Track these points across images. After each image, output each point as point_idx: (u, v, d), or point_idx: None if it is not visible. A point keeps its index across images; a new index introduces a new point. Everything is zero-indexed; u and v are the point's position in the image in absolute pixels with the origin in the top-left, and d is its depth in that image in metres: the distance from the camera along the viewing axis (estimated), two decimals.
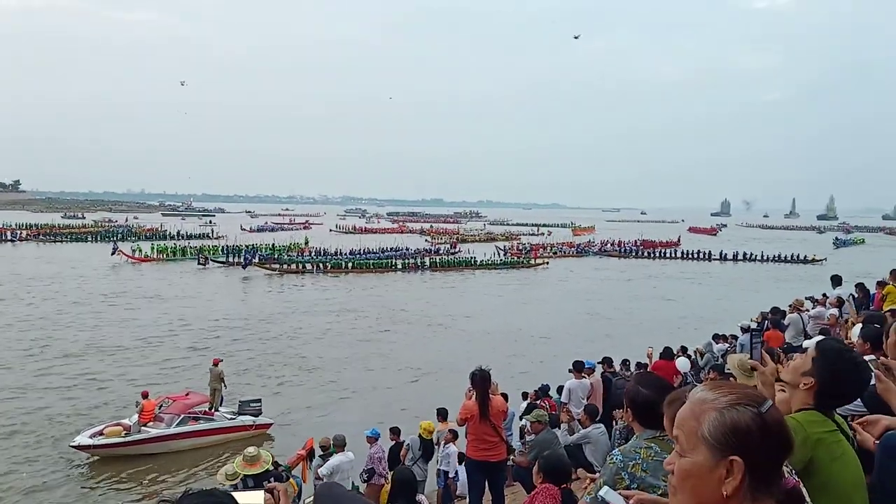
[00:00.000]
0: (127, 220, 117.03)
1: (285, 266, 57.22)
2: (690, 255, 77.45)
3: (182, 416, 16.65)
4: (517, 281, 53.99)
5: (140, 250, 62.14)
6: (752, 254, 75.76)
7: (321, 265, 57.99)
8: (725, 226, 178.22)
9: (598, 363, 14.04)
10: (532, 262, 66.59)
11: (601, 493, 2.51)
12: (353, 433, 12.30)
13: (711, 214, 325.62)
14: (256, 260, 57.73)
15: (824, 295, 15.70)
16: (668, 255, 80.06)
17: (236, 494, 1.99)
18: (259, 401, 17.95)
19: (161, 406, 16.92)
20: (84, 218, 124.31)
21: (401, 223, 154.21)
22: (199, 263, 58.18)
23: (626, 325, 33.17)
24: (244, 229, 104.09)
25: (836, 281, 15.11)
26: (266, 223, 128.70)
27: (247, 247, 64.00)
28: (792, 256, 73.27)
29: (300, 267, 57.51)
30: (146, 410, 16.40)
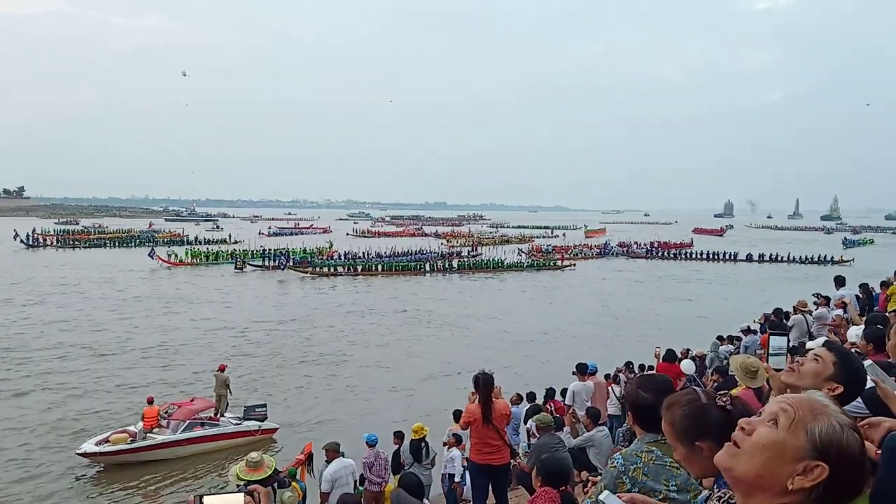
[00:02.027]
0: (152, 225, 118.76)
1: (318, 269, 58.05)
2: (716, 257, 77.53)
3: (187, 421, 16.64)
4: (547, 283, 54.43)
5: (175, 255, 63.64)
6: (777, 255, 75.74)
7: (352, 268, 59.13)
8: (732, 227, 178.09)
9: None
10: (559, 263, 67.01)
11: (601, 496, 2.50)
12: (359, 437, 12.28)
13: (715, 216, 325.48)
14: (290, 263, 58.98)
15: (820, 296, 15.62)
16: (694, 255, 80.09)
17: (214, 498, 2.00)
18: (264, 406, 17.96)
19: (167, 412, 16.93)
20: (77, 224, 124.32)
21: (406, 227, 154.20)
22: (236, 268, 59.43)
23: (653, 327, 32.96)
24: (262, 234, 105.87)
25: (840, 282, 15.04)
26: (282, 228, 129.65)
27: (277, 251, 64.89)
28: (819, 258, 72.95)
29: (332, 269, 58.34)
30: (147, 417, 16.40)
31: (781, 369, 3.05)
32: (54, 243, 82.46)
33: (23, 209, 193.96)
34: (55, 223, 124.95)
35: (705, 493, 2.44)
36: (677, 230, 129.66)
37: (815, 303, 15.39)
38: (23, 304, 36.99)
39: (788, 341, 3.02)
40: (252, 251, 67.33)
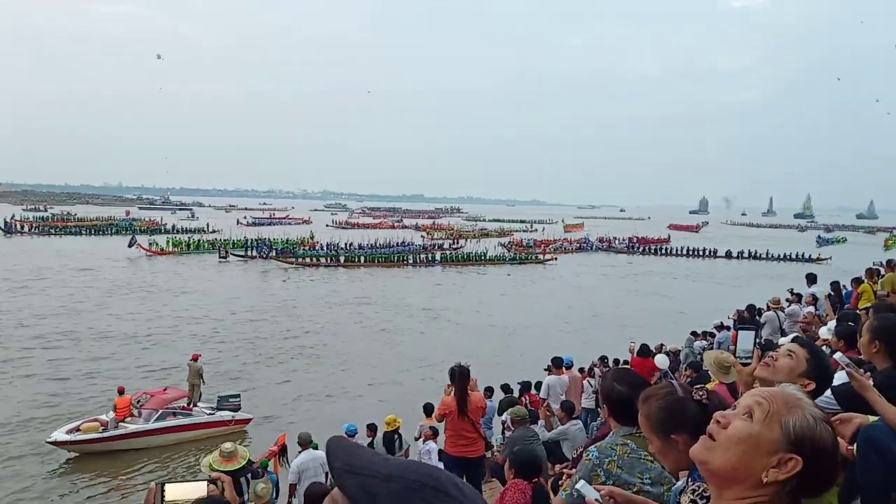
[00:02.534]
0: (129, 214, 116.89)
1: (301, 259, 58.06)
2: (695, 253, 78.19)
3: (160, 411, 16.52)
4: (528, 276, 54.55)
5: (157, 244, 63.18)
6: (756, 252, 76.36)
7: (335, 259, 59.16)
8: (707, 223, 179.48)
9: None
10: (541, 257, 67.34)
11: (577, 486, 2.52)
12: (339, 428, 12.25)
13: (690, 212, 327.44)
14: (273, 253, 59.33)
15: (793, 292, 15.88)
16: (673, 252, 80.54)
17: (176, 486, 1.96)
18: (238, 396, 17.86)
19: (139, 401, 16.80)
20: (46, 211, 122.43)
21: (383, 219, 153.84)
22: (220, 257, 59.18)
23: (632, 321, 32.91)
24: (241, 223, 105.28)
25: (812, 279, 15.28)
26: (260, 218, 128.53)
27: (260, 241, 65.03)
28: (796, 255, 73.58)
29: (315, 260, 58.29)
30: (119, 408, 16.24)
31: (749, 363, 3.09)
32: (31, 230, 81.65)
33: None
34: (23, 209, 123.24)
35: (680, 483, 2.46)
36: (651, 226, 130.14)
37: (787, 300, 15.62)
38: (2, 290, 36.59)
39: (757, 336, 3.06)
40: (234, 241, 67.11)
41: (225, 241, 67.13)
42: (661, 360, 12.89)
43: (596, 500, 2.38)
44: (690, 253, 78.50)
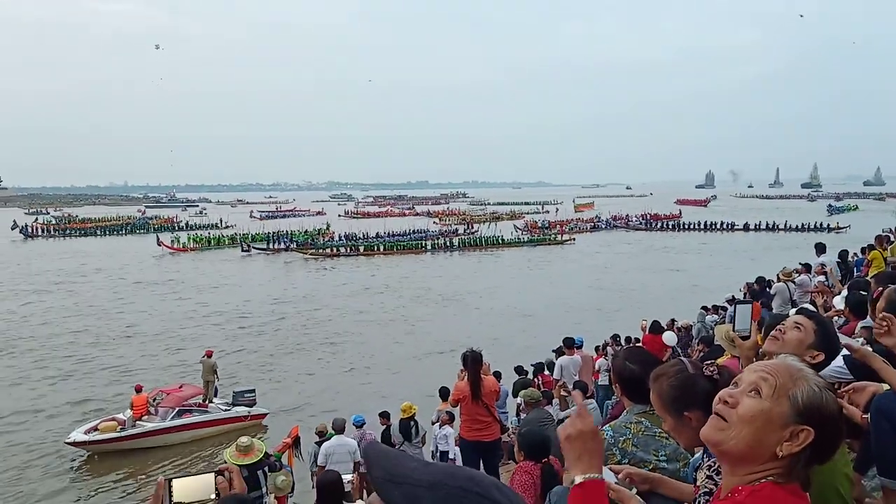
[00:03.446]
0: (144, 212, 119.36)
1: (321, 250, 58.93)
2: (713, 227, 77.98)
3: (176, 408, 16.60)
4: (546, 257, 54.75)
5: (178, 240, 64.77)
6: (774, 223, 75.95)
7: (354, 248, 60.14)
8: (716, 197, 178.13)
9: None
10: (559, 238, 67.30)
11: None
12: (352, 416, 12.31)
13: (696, 187, 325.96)
14: (294, 245, 61.06)
15: (805, 265, 15.76)
16: (690, 226, 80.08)
17: (184, 480, 1.96)
18: (253, 391, 17.90)
19: (155, 399, 16.89)
20: (48, 213, 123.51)
21: (390, 206, 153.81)
22: (242, 251, 60.45)
23: (654, 298, 32.60)
24: (254, 217, 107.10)
25: (821, 248, 15.18)
26: (274, 212, 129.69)
27: (280, 234, 66.48)
28: (814, 225, 73.02)
29: (335, 250, 59.06)
30: (136, 405, 16.33)
31: (747, 336, 3.09)
32: (50, 232, 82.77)
33: (0, 200, 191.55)
34: (24, 213, 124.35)
35: (696, 457, 2.47)
36: (655, 202, 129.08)
37: (796, 270, 15.54)
38: (29, 292, 37.51)
39: (754, 308, 3.07)
40: (253, 235, 68.03)
41: (244, 235, 68.09)
42: (669, 338, 12.84)
43: (615, 482, 2.38)
44: (708, 227, 78.25)
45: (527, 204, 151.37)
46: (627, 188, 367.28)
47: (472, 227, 79.72)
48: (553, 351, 16.18)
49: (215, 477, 2.02)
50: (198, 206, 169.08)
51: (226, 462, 8.51)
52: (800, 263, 16.36)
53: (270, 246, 62.95)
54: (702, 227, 78.82)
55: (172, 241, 64.38)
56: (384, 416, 12.22)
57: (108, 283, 41.22)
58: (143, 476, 14.97)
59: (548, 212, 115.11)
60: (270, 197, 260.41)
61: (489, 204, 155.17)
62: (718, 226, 78.02)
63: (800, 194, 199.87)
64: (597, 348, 15.32)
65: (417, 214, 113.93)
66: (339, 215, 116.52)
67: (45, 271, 46.39)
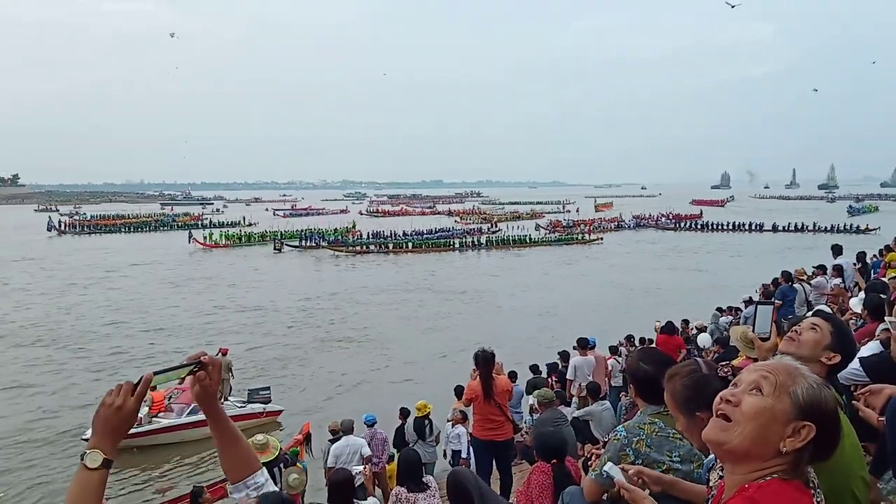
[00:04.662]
0: (172, 209, 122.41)
1: (350, 248, 60.00)
2: (742, 227, 77.58)
3: (192, 405, 16.64)
4: (575, 256, 54.88)
5: (211, 237, 66.56)
6: (803, 224, 75.36)
7: (384, 245, 61.03)
8: (734, 198, 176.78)
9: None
10: (586, 237, 67.32)
11: (605, 468, 2.54)
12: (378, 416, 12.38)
13: (711, 187, 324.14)
14: (325, 243, 62.32)
15: (819, 266, 15.55)
16: (718, 227, 79.69)
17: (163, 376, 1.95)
18: (268, 388, 17.97)
19: (170, 396, 16.97)
20: (58, 211, 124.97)
21: (403, 205, 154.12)
22: (275, 248, 61.56)
23: (684, 298, 32.22)
24: (277, 215, 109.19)
25: (837, 250, 15.08)
26: (297, 210, 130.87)
27: (310, 231, 67.53)
28: (844, 226, 71.83)
29: (364, 248, 60.01)
30: (154, 401, 16.43)
31: (767, 337, 3.08)
32: (80, 229, 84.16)
33: (18, 197, 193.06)
34: (35, 210, 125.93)
35: (710, 458, 2.47)
36: (673, 202, 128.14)
37: (813, 273, 15.41)
38: (71, 286, 38.59)
39: (774, 311, 3.06)
40: (282, 232, 69.27)
41: (274, 232, 69.68)
42: (704, 339, 12.67)
43: (625, 480, 2.39)
44: (736, 227, 77.80)
45: (539, 203, 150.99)
46: (642, 188, 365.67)
47: (496, 226, 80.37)
48: (558, 353, 16.18)
49: (195, 373, 2.02)
50: (212, 203, 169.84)
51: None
52: (814, 266, 16.16)
53: (302, 243, 63.89)
54: (729, 227, 78.50)
55: (205, 237, 65.75)
56: (403, 413, 12.17)
57: (147, 278, 42.38)
58: (158, 472, 15.07)
59: (569, 211, 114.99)
60: (285, 195, 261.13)
61: (501, 203, 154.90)
62: (746, 226, 77.53)
63: (818, 195, 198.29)
64: (611, 349, 15.21)
65: (438, 213, 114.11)
66: (361, 213, 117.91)
67: (86, 266, 47.62)
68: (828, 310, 6.85)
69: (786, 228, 75.05)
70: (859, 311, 6.23)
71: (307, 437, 12.66)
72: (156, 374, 1.87)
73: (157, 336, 26.75)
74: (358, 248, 59.82)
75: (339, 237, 66.07)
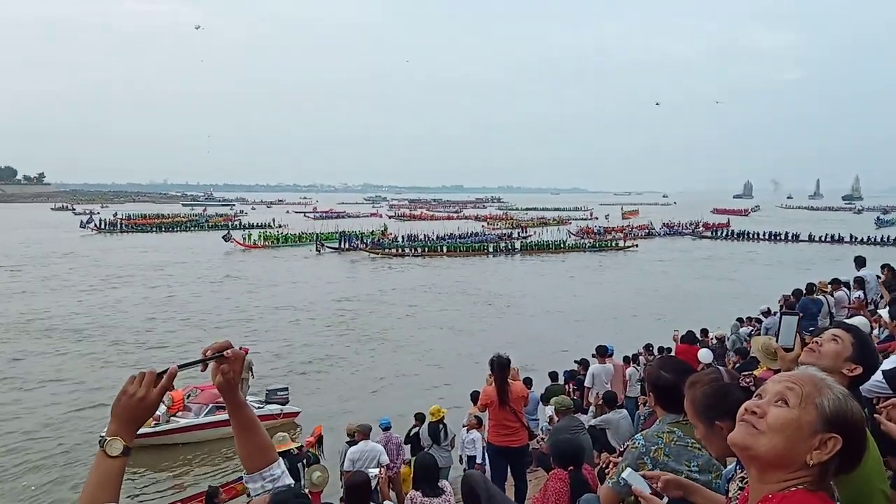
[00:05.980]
0: (205, 210, 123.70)
1: (386, 250, 61.03)
2: (776, 237, 77.21)
3: (210, 405, 16.70)
4: (610, 263, 55.08)
5: (250, 237, 67.64)
6: (839, 235, 74.06)
7: (421, 248, 62.00)
8: (759, 208, 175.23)
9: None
10: (621, 244, 67.64)
11: (624, 475, 2.52)
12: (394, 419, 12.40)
13: (734, 197, 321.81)
14: (363, 246, 63.62)
15: (834, 281, 15.13)
16: (754, 236, 79.25)
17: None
18: (286, 389, 17.97)
19: (188, 396, 17.06)
20: (74, 209, 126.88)
21: (423, 209, 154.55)
22: (316, 250, 62.74)
23: (715, 308, 31.06)
24: (308, 217, 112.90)
25: (860, 262, 14.89)
26: (327, 212, 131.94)
27: (348, 233, 68.63)
28: (881, 239, 69.97)
29: (400, 250, 60.89)
30: (175, 401, 16.52)
31: (790, 348, 3.05)
32: (118, 227, 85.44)
33: (43, 195, 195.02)
34: (51, 208, 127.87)
35: (729, 468, 2.45)
36: (694, 211, 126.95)
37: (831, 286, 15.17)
38: (109, 284, 39.60)
39: (799, 321, 3.01)
40: (318, 234, 69.99)
41: (310, 234, 70.73)
42: (705, 355, 12.60)
43: (645, 489, 2.37)
44: (773, 237, 77.24)
45: (556, 210, 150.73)
46: (664, 196, 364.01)
47: (526, 231, 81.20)
48: (575, 362, 16.10)
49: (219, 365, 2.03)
50: (234, 204, 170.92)
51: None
52: (829, 282, 15.62)
53: (341, 245, 64.84)
54: (764, 236, 78.12)
55: (244, 237, 66.77)
56: (418, 417, 12.17)
57: (187, 277, 42.93)
58: (176, 472, 15.15)
59: (596, 218, 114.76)
60: (305, 198, 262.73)
61: (519, 209, 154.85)
62: (781, 236, 77.09)
63: (843, 206, 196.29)
64: (625, 358, 15.07)
65: (466, 218, 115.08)
66: (389, 216, 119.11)
67: (128, 264, 48.30)
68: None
69: (822, 239, 74.07)
70: (888, 320, 6.13)
71: (319, 440, 12.68)
72: (180, 367, 1.88)
73: (182, 335, 26.83)
74: (394, 250, 60.51)
75: (376, 240, 67.01)
